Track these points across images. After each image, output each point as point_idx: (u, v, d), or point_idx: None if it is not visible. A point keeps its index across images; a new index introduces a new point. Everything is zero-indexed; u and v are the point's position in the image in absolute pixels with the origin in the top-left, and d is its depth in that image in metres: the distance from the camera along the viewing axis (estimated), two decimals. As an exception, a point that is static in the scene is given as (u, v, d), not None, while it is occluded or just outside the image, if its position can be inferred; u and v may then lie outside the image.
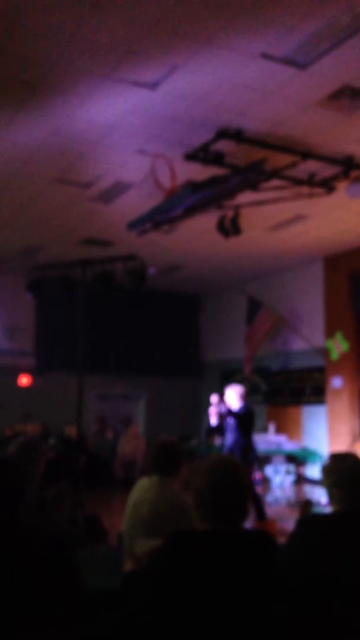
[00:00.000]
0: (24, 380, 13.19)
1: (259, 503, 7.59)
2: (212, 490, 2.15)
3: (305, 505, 3.43)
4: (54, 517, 3.41)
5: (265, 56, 5.35)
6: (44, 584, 2.02)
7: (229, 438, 7.45)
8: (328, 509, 2.70)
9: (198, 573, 2.01)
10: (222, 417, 7.45)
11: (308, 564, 2.35)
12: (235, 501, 2.17)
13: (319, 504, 9.85)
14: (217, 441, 12.20)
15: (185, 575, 2.01)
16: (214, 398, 7.41)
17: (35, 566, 2.03)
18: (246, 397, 7.74)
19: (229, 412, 7.34)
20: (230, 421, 7.42)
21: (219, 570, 2.03)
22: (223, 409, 7.39)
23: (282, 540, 2.57)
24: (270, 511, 8.23)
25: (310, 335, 11.94)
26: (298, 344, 12.32)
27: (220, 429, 7.52)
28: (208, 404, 13.85)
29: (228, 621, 1.99)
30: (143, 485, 3.43)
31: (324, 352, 11.50)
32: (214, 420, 7.46)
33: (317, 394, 11.77)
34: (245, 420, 7.42)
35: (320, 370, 11.67)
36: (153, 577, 2.05)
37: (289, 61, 5.43)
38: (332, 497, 2.62)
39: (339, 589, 2.28)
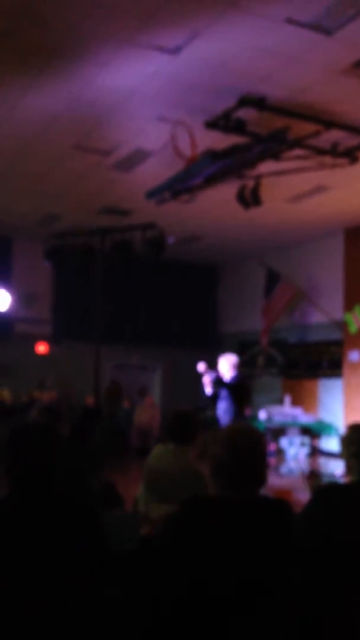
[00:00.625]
0: (41, 348, 13.28)
1: None
2: (231, 456, 2.16)
3: (312, 476, 3.45)
4: (83, 483, 3.46)
5: (290, 21, 5.21)
6: (74, 546, 2.07)
7: (221, 407, 7.30)
8: (343, 480, 2.70)
9: (213, 539, 2.03)
10: (216, 386, 7.28)
11: (325, 532, 2.36)
12: (254, 468, 2.18)
13: (332, 475, 9.90)
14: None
15: (200, 541, 2.03)
16: (200, 366, 7.20)
17: (67, 529, 2.08)
18: (239, 367, 7.52)
19: (219, 382, 7.16)
20: (223, 391, 7.24)
21: (234, 537, 2.04)
22: (211, 377, 7.23)
23: (297, 511, 2.58)
24: (284, 482, 8.29)
25: (329, 308, 11.86)
26: (316, 317, 12.25)
27: (214, 399, 7.38)
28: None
29: (242, 585, 2.01)
30: (159, 453, 3.46)
31: (342, 325, 11.44)
32: (208, 390, 7.31)
33: (333, 367, 11.74)
34: (236, 391, 7.23)
35: (338, 343, 11.62)
36: (168, 542, 2.08)
37: (314, 27, 5.29)
38: (350, 468, 2.62)
39: (354, 556, 2.29)
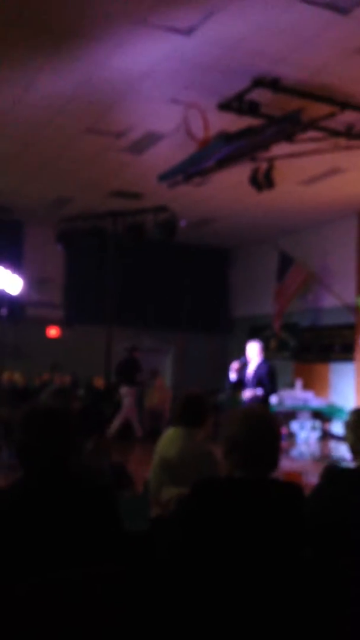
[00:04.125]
0: (53, 331, 13.34)
1: None
2: (246, 437, 2.16)
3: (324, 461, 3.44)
4: (97, 465, 3.50)
5: (305, 0, 5.13)
6: (90, 524, 2.10)
7: (248, 393, 7.49)
8: (352, 464, 2.69)
9: (225, 520, 2.04)
10: (241, 371, 7.54)
11: (333, 514, 2.36)
12: (268, 449, 2.19)
13: (343, 459, 9.90)
14: (244, 395, 12.27)
15: (212, 522, 2.04)
16: (234, 365, 7.53)
17: (83, 509, 2.10)
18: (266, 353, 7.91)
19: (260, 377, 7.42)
20: (250, 376, 7.46)
21: (245, 518, 2.05)
22: (239, 364, 7.49)
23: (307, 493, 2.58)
24: (295, 465, 8.31)
25: (342, 292, 11.80)
26: (329, 301, 12.20)
27: (239, 385, 7.61)
28: (236, 358, 13.92)
29: (253, 567, 2.02)
30: (170, 436, 3.48)
31: (355, 309, 11.38)
32: (233, 376, 7.54)
33: (346, 351, 11.70)
34: (269, 377, 7.48)
35: (351, 327, 11.57)
36: (181, 523, 2.09)
37: (329, 5, 5.21)
38: (355, 453, 2.61)
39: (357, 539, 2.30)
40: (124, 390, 11.08)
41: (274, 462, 2.18)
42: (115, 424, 10.81)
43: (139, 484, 4.37)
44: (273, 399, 11.32)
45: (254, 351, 7.55)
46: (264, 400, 7.47)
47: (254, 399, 7.41)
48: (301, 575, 2.06)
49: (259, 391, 7.42)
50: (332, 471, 2.60)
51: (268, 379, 7.48)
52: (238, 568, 2.01)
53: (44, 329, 13.21)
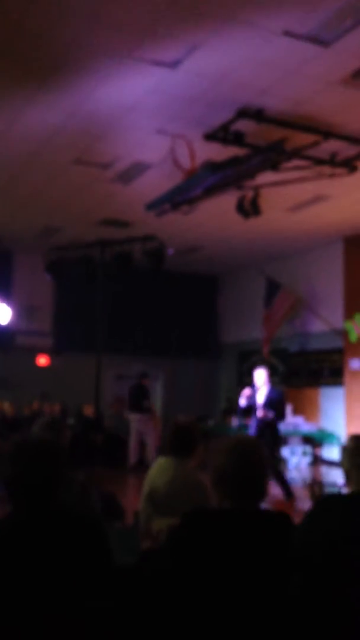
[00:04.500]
0: (42, 360, 13.29)
1: (285, 482, 7.84)
2: (233, 468, 2.17)
3: (314, 486, 3.44)
4: (87, 498, 3.47)
5: (288, 34, 5.26)
6: (79, 559, 2.08)
7: (260, 412, 7.84)
8: (344, 490, 2.69)
9: (214, 551, 2.04)
10: (251, 397, 7.90)
11: (325, 542, 2.36)
12: (255, 480, 2.19)
13: (335, 484, 9.87)
14: (234, 422, 12.27)
15: (202, 553, 2.04)
16: (246, 391, 7.93)
17: (72, 543, 2.08)
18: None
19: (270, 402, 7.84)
20: (260, 403, 7.76)
21: (235, 549, 2.05)
22: (251, 391, 7.95)
23: (297, 520, 2.57)
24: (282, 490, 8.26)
25: (329, 317, 11.88)
26: (316, 326, 12.27)
27: (247, 411, 7.91)
28: (226, 384, 14.00)
29: (243, 598, 2.01)
30: (160, 465, 3.46)
31: (343, 333, 11.44)
32: (243, 402, 7.92)
33: (335, 375, 11.74)
34: (279, 404, 7.94)
35: (339, 351, 11.62)
36: (170, 555, 2.08)
37: (311, 39, 5.34)
38: (350, 479, 2.61)
39: (354, 567, 2.29)
40: (132, 417, 11.17)
41: (262, 492, 2.19)
42: (132, 453, 10.92)
43: (130, 514, 4.34)
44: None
45: (261, 378, 7.82)
46: (273, 423, 7.74)
47: (265, 418, 7.64)
48: (290, 605, 2.05)
49: (270, 414, 7.66)
50: (325, 498, 2.61)
51: (279, 404, 7.76)
52: (227, 599, 2.00)
53: (33, 358, 13.16)
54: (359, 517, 2.46)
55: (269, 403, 7.88)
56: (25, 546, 2.04)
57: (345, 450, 2.66)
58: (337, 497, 2.73)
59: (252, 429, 7.99)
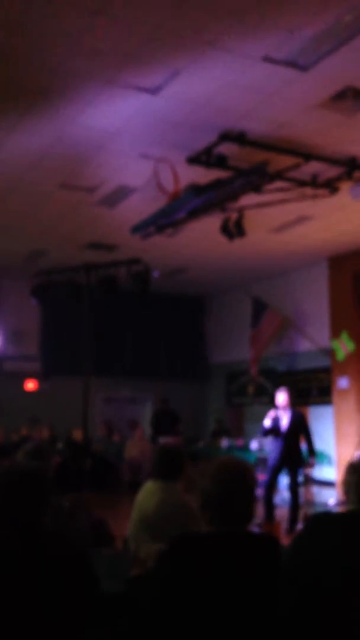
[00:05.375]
0: (30, 385, 13.21)
1: (270, 505, 7.88)
2: (219, 492, 2.16)
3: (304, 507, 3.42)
4: (74, 524, 3.44)
5: (267, 59, 5.35)
6: (64, 588, 2.06)
7: (285, 440, 8.07)
8: (338, 509, 2.68)
9: (202, 575, 2.03)
10: (276, 419, 8.17)
11: (317, 562, 2.34)
12: (242, 504, 2.18)
13: (325, 504, 9.84)
14: (224, 443, 12.23)
15: (189, 578, 2.03)
16: (271, 413, 8.20)
17: (57, 573, 2.06)
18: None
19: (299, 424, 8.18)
20: (286, 426, 7.96)
21: (223, 573, 2.04)
22: (276, 412, 8.20)
23: (286, 542, 2.56)
24: (278, 513, 8.23)
25: (316, 336, 11.93)
26: (304, 345, 12.31)
27: (271, 432, 8.17)
28: (214, 405, 14.02)
29: (233, 622, 2.00)
30: (148, 489, 3.45)
31: (330, 352, 11.49)
32: (268, 423, 8.13)
33: (323, 394, 11.75)
34: (303, 424, 8.26)
35: (327, 370, 11.65)
36: (158, 580, 2.07)
37: (290, 63, 5.44)
38: (349, 499, 2.58)
39: (347, 588, 2.28)
40: (163, 440, 11.25)
41: (248, 516, 2.18)
42: None
43: (119, 539, 4.30)
44: (252, 445, 11.35)
45: (284, 399, 8.00)
46: (299, 447, 8.21)
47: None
48: (280, 626, 2.03)
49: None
50: (317, 517, 2.59)
51: (303, 426, 8.22)
52: (216, 622, 1.99)
53: (21, 383, 13.08)
54: (353, 535, 2.44)
55: (294, 426, 8.07)
56: (8, 574, 2.02)
57: (349, 469, 2.61)
58: (331, 515, 2.71)
59: (275, 451, 8.15)
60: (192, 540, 2.12)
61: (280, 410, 8.21)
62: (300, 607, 2.22)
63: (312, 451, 8.36)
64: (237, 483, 2.17)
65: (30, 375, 13.14)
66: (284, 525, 7.58)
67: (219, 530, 2.14)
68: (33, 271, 8.75)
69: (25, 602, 2.00)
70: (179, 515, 3.20)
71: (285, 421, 8.16)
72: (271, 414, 8.20)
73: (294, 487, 8.09)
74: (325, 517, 2.58)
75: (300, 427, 8.23)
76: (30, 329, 13.10)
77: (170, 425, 12.06)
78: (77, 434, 11.08)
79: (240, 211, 7.68)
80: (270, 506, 7.99)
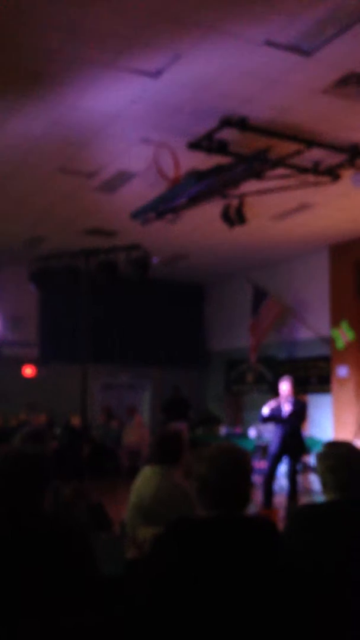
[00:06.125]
0: (28, 370, 13.22)
1: (269, 492, 7.92)
2: (215, 476, 2.15)
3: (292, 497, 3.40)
4: (72, 509, 3.45)
5: (269, 43, 5.30)
6: (64, 571, 2.06)
7: (286, 427, 8.14)
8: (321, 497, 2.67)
9: (199, 560, 2.02)
10: (276, 408, 8.23)
11: (302, 557, 2.34)
12: (238, 488, 2.18)
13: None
14: (222, 430, 12.26)
15: (186, 562, 2.02)
16: (272, 403, 8.26)
17: (56, 555, 2.07)
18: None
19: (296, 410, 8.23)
20: (287, 413, 7.94)
21: (220, 557, 2.03)
22: (276, 402, 8.26)
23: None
24: (275, 500, 8.26)
25: (316, 324, 11.92)
26: (303, 333, 12.30)
27: (270, 419, 8.27)
28: (213, 393, 14.06)
29: (230, 606, 2.00)
30: (145, 475, 3.45)
31: (330, 341, 11.49)
32: (266, 411, 8.22)
33: (322, 383, 11.76)
34: (301, 412, 8.33)
35: (326, 359, 11.65)
36: (155, 565, 2.06)
37: (293, 48, 5.38)
38: (325, 484, 2.60)
39: (333, 579, 2.28)
40: (177, 425, 11.50)
41: (245, 500, 2.17)
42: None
43: (117, 524, 4.31)
44: (251, 432, 11.38)
45: (286, 389, 8.04)
46: (299, 434, 8.29)
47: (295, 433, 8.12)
48: (278, 614, 2.03)
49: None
50: (298, 510, 2.59)
51: (302, 414, 8.32)
52: (214, 607, 1.98)
53: (19, 368, 13.09)
54: (335, 526, 2.43)
55: (295, 414, 8.14)
56: (8, 558, 2.02)
57: (319, 455, 2.64)
58: (312, 508, 2.71)
59: (276, 438, 8.20)
60: (187, 524, 2.12)
61: (283, 399, 8.25)
62: (296, 593, 2.22)
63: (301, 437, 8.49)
64: (233, 467, 2.17)
65: (29, 361, 13.15)
66: (281, 512, 7.61)
67: (215, 515, 2.14)
68: (32, 257, 8.71)
69: (25, 585, 2.01)
70: (176, 501, 3.20)
71: (287, 408, 8.20)
72: (271, 403, 8.24)
73: (292, 475, 8.12)
74: (306, 512, 2.57)
75: (301, 415, 8.29)
76: (28, 315, 13.08)
77: (183, 411, 12.46)
78: (75, 420, 11.10)
79: (241, 198, 7.64)
80: (269, 493, 8.01)
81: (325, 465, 2.56)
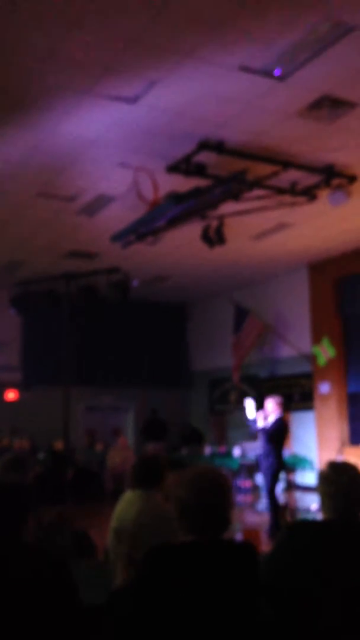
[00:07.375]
0: (11, 395, 13.13)
1: (276, 514, 7.82)
2: (194, 500, 2.16)
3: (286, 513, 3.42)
4: (54, 537, 3.42)
5: (244, 68, 5.40)
6: (44, 601, 2.05)
7: (262, 446, 8.22)
8: (318, 516, 2.68)
9: (178, 586, 2.02)
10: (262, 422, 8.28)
11: (295, 570, 2.35)
12: (218, 511, 2.18)
13: (308, 510, 9.87)
14: (207, 450, 12.23)
15: (166, 589, 2.02)
16: (261, 414, 8.28)
17: (36, 584, 2.05)
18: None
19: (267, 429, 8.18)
20: (269, 425, 8.02)
21: (200, 582, 2.04)
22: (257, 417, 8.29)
23: (267, 548, 2.56)
24: (260, 519, 8.24)
25: (297, 342, 11.99)
26: (285, 351, 12.37)
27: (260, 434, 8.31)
28: (197, 412, 14.03)
29: (212, 631, 2.00)
30: (127, 499, 3.44)
31: (311, 358, 11.55)
32: (261, 424, 8.25)
33: (305, 400, 11.81)
34: (275, 433, 8.17)
35: (308, 376, 11.71)
36: (135, 593, 2.06)
37: (266, 73, 5.49)
38: (323, 504, 2.61)
39: (325, 595, 2.29)
40: (152, 447, 11.46)
41: (224, 524, 2.18)
42: None
43: (102, 550, 4.28)
44: (235, 451, 11.37)
45: (269, 407, 8.30)
46: (273, 454, 8.15)
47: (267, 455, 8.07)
48: (260, 633, 2.04)
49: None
50: (294, 525, 2.60)
51: (277, 433, 8.16)
52: (194, 634, 1.98)
53: (1, 393, 12.99)
54: (330, 542, 2.46)
55: (267, 433, 8.08)
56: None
57: (322, 477, 2.64)
58: (308, 523, 2.72)
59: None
60: (167, 551, 2.12)
61: (268, 416, 8.29)
62: (277, 614, 2.22)
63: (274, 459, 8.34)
64: (211, 491, 2.18)
65: (11, 385, 13.05)
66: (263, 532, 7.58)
67: (194, 539, 2.14)
68: (12, 281, 8.70)
69: (4, 615, 1.99)
70: (158, 525, 3.19)
71: (271, 418, 8.21)
72: (260, 414, 8.30)
73: (269, 493, 8.06)
74: (301, 526, 2.59)
75: (274, 435, 8.21)
76: (10, 339, 13.01)
77: (160, 433, 12.60)
78: (59, 445, 11.01)
79: (220, 219, 7.72)
80: (276, 511, 7.90)
81: (325, 490, 2.55)
